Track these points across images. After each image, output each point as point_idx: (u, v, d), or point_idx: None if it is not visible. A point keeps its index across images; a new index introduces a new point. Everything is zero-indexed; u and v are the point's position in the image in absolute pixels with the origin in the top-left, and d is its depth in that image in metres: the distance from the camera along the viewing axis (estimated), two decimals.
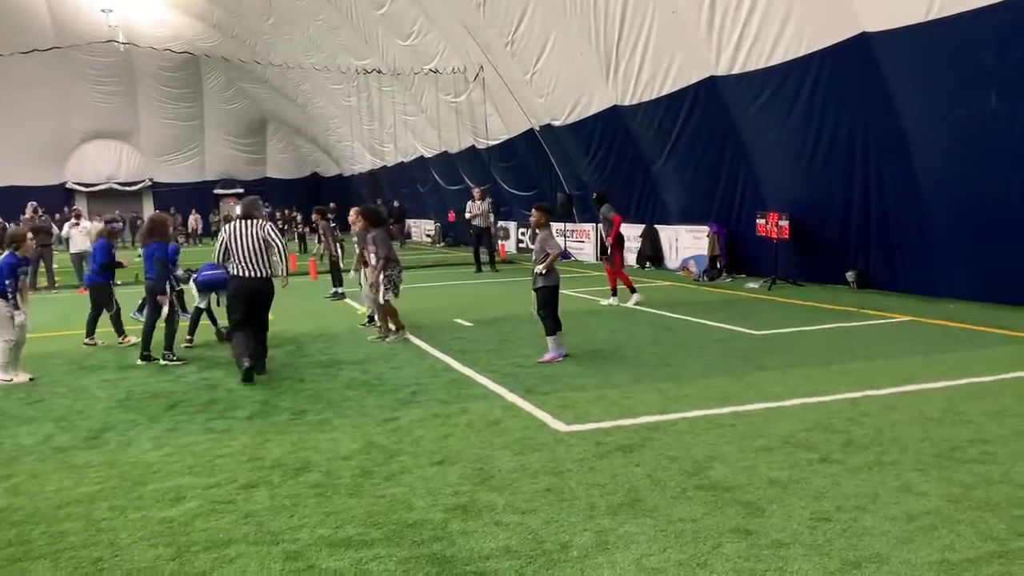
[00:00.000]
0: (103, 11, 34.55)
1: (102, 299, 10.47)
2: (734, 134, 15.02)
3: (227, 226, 8.30)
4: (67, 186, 45.37)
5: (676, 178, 17.49)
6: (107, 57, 39.79)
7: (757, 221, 14.86)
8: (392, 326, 10.19)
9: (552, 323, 8.73)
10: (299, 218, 37.32)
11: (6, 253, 8.45)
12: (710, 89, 14.87)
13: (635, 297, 12.94)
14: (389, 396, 7.37)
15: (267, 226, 8.31)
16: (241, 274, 8.18)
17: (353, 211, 11.02)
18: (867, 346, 9.08)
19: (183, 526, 4.46)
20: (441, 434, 6.08)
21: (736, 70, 13.91)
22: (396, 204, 33.94)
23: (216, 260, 8.53)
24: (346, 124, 36.34)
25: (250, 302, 8.26)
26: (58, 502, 4.88)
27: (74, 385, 8.21)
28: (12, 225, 21.49)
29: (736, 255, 16.24)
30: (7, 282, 8.20)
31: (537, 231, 9.09)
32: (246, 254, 8.14)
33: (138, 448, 5.96)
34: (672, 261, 18.41)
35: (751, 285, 14.75)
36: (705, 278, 16.14)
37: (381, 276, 9.92)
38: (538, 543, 4.10)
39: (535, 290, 8.80)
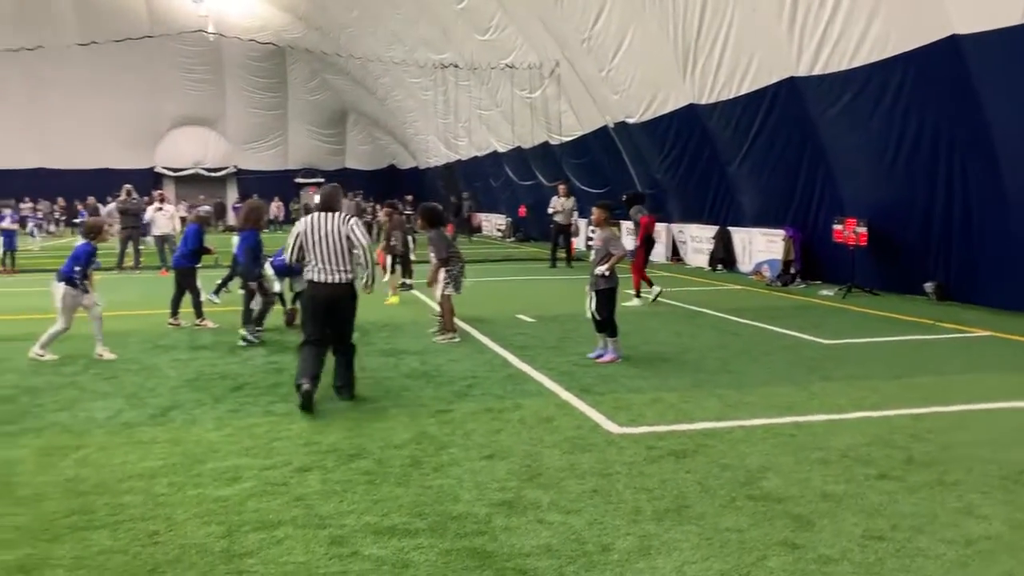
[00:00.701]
0: (194, 1, 35.66)
1: (187, 282, 10.83)
2: (813, 136, 14.64)
3: (303, 220, 6.88)
4: (156, 170, 47.01)
5: (752, 180, 17.14)
6: (198, 46, 41.03)
7: (834, 227, 14.44)
8: (448, 324, 10.04)
9: (612, 327, 8.58)
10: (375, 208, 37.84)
11: (83, 242, 8.84)
12: (790, 89, 14.51)
13: (635, 301, 12.99)
14: (445, 388, 7.43)
15: (351, 221, 6.84)
16: (318, 278, 6.71)
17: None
18: (940, 361, 8.75)
19: (236, 505, 4.59)
20: (493, 428, 6.11)
21: (817, 71, 13.54)
22: (453, 200, 34.15)
23: (288, 259, 7.01)
24: (423, 117, 36.78)
25: (329, 312, 6.78)
26: (122, 475, 5.08)
27: (147, 363, 8.53)
28: (105, 204, 22.45)
29: (811, 261, 15.82)
30: (77, 269, 8.55)
31: (598, 230, 8.95)
32: (325, 254, 6.70)
33: (201, 427, 6.16)
34: (745, 264, 18.05)
35: (825, 292, 14.36)
36: (778, 283, 15.78)
37: (442, 273, 9.90)
38: (580, 544, 4.08)
39: (596, 292, 8.58)
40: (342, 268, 6.73)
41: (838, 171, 14.49)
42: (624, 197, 14.90)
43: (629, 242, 13.98)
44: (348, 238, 6.73)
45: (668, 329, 10.87)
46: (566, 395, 7.14)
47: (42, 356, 8.59)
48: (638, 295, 13.22)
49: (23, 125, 42.04)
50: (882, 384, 7.61)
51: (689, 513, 4.48)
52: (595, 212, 9.10)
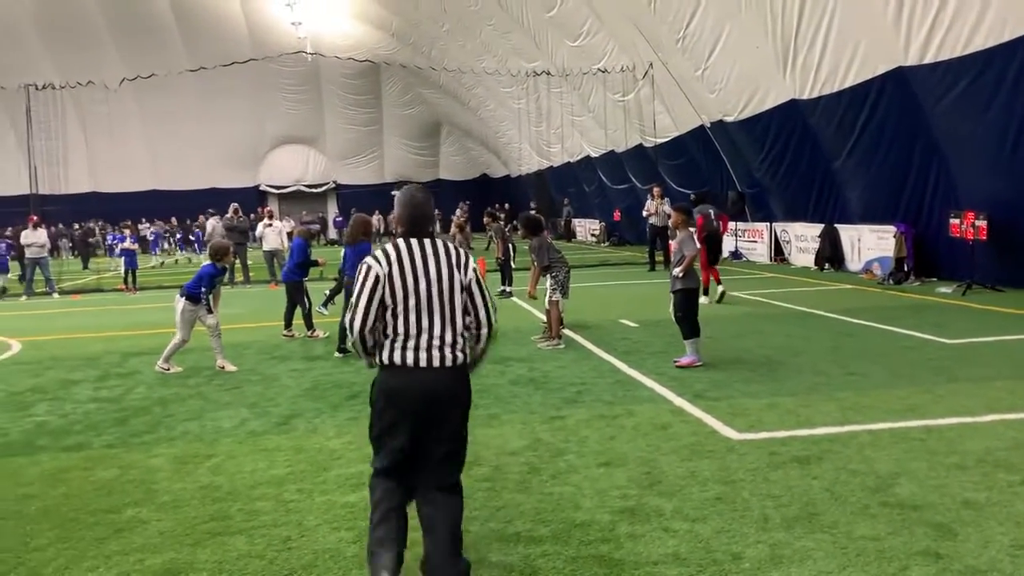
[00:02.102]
0: (293, 24, 36.94)
1: (296, 295, 11.21)
2: (924, 127, 14.02)
3: (385, 252, 3.59)
4: (260, 188, 48.89)
5: (859, 175, 16.54)
6: (297, 67, 42.48)
7: (951, 221, 13.79)
8: (553, 330, 10.07)
9: (689, 327, 8.47)
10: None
11: (207, 263, 9.34)
12: (898, 80, 13.94)
13: (703, 299, 12.64)
14: (555, 395, 7.43)
15: (471, 263, 3.72)
16: (408, 359, 3.56)
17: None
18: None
19: (363, 511, 4.68)
20: (607, 435, 6.06)
21: (928, 59, 12.97)
22: (534, 206, 34.15)
23: (352, 322, 3.58)
24: (515, 126, 37.02)
25: (426, 424, 3.62)
26: (252, 482, 5.27)
27: (266, 373, 8.84)
28: (211, 221, 23.45)
29: (925, 257, 15.15)
30: (203, 289, 9.03)
31: (676, 231, 8.89)
32: (424, 314, 3.58)
33: (322, 435, 6.33)
34: (854, 263, 17.42)
35: (943, 290, 13.71)
36: (890, 281, 15.16)
37: (548, 280, 9.93)
38: (708, 552, 4.00)
39: (672, 292, 8.58)
40: (451, 340, 3.60)
41: (953, 163, 13.83)
42: (692, 196, 15.01)
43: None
44: (466, 291, 3.65)
45: (779, 331, 10.59)
46: (679, 401, 7.03)
47: (167, 369, 9.00)
48: (705, 292, 13.05)
49: (137, 151, 44.39)
50: (1016, 385, 7.20)
51: (820, 521, 4.34)
52: (673, 214, 9.17)
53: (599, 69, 23.52)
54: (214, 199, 38.21)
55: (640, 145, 25.83)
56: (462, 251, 3.68)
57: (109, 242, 27.45)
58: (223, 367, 9.08)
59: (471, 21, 30.43)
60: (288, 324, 11.33)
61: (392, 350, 3.59)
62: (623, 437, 6.01)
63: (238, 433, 6.49)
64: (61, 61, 38.32)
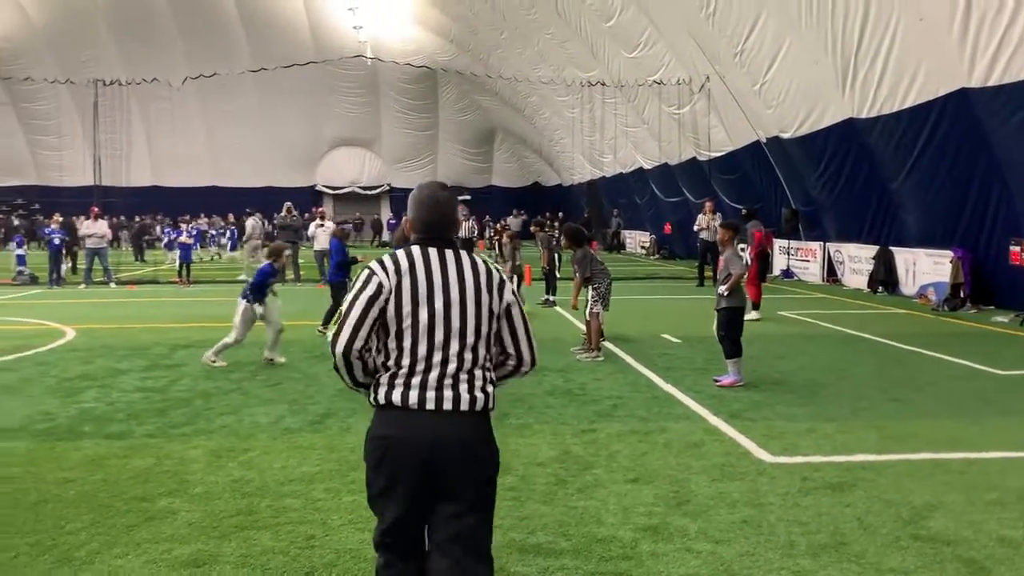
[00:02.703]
0: (355, 28, 37.53)
1: (339, 295, 11.38)
2: (987, 151, 13.64)
3: (390, 264, 2.76)
4: (316, 188, 49.67)
5: (917, 197, 16.15)
6: (356, 71, 43.11)
7: (1011, 248, 13.40)
8: (592, 342, 9.97)
9: (731, 346, 8.28)
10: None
11: (265, 263, 9.73)
12: (960, 101, 13.60)
13: (753, 314, 13.01)
14: (589, 407, 7.40)
15: (506, 283, 2.92)
16: (408, 400, 2.70)
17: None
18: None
19: None
20: (638, 451, 6.02)
21: (992, 82, 12.62)
22: (587, 215, 34.06)
23: (336, 342, 2.75)
24: (569, 135, 37.04)
25: (429, 486, 2.72)
26: (283, 479, 5.35)
27: (307, 372, 8.98)
28: (250, 220, 23.89)
29: (983, 284, 14.71)
30: (254, 285, 9.32)
31: (723, 248, 8.76)
32: (441, 344, 2.74)
33: (355, 435, 6.39)
34: (908, 287, 17.01)
35: (999, 319, 13.31)
36: (945, 308, 14.76)
37: (590, 291, 9.90)
38: (730, 575, 3.95)
39: (717, 310, 8.41)
40: (472, 378, 2.77)
41: (1016, 188, 13.43)
42: (743, 212, 15.10)
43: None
44: (503, 318, 2.88)
45: (825, 354, 10.39)
46: (714, 420, 6.95)
47: (214, 362, 9.20)
48: (756, 307, 13.19)
49: (199, 147, 45.49)
50: None
51: (848, 551, 4.25)
52: (720, 231, 9.01)
53: (654, 81, 23.39)
54: (271, 197, 38.92)
55: (694, 158, 25.62)
56: (495, 269, 2.88)
57: (164, 236, 28.17)
58: (271, 360, 9.33)
59: (529, 29, 30.55)
60: (326, 322, 11.49)
61: (391, 387, 2.70)
62: (654, 454, 5.96)
63: (274, 429, 6.59)
64: (130, 58, 39.51)
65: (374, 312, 2.73)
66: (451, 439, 2.69)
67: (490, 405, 2.80)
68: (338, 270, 11.63)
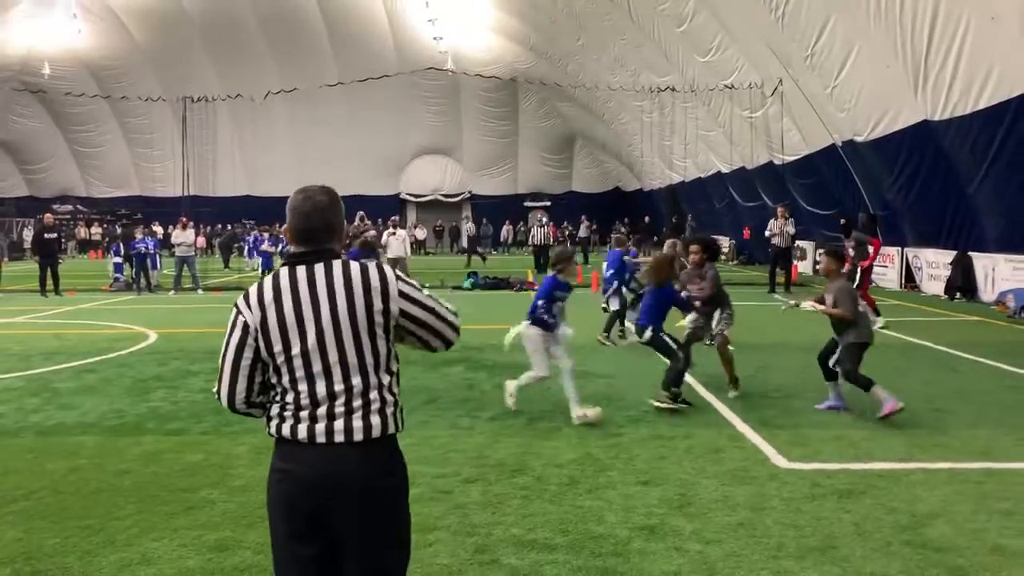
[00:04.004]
0: (435, 38, 38.37)
1: None
2: None
3: (254, 298, 2.59)
4: (401, 196, 50.88)
5: (994, 201, 15.63)
6: (438, 80, 44.01)
7: None
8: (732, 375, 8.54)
9: (861, 380, 7.25)
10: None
11: (549, 275, 7.67)
12: None
13: (880, 321, 12.77)
14: (622, 412, 7.57)
15: (381, 278, 2.60)
16: (297, 433, 2.55)
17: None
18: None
19: None
20: (657, 455, 6.20)
21: None
22: (675, 220, 33.75)
23: (221, 395, 2.67)
24: (647, 140, 36.94)
25: (323, 526, 2.54)
26: None
27: None
28: (351, 227, 24.81)
29: None
30: (540, 303, 7.38)
31: (828, 281, 7.71)
32: (322, 372, 2.54)
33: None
34: (987, 294, 16.45)
35: None
36: (1021, 315, 14.25)
37: (719, 314, 8.74)
38: (710, 574, 4.13)
39: (843, 346, 7.45)
40: (363, 402, 2.55)
41: None
42: (843, 222, 14.95)
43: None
44: (403, 317, 2.64)
45: (878, 362, 10.12)
46: (742, 427, 7.05)
47: (510, 401, 7.55)
48: (877, 313, 13.06)
49: (289, 158, 47.20)
50: None
51: (835, 554, 4.36)
52: (824, 261, 7.89)
53: (726, 85, 23.23)
54: (358, 206, 40.03)
55: (770, 162, 25.27)
56: (376, 273, 2.59)
57: (248, 243, 29.48)
58: (584, 416, 7.10)
59: (605, 35, 30.69)
60: None
61: (282, 419, 2.57)
62: (672, 458, 6.13)
63: None
64: (224, 73, 41.48)
65: (247, 355, 2.57)
66: (345, 474, 2.49)
67: (390, 430, 2.57)
68: None
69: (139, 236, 21.82)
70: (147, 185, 48.11)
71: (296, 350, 2.53)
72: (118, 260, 22.24)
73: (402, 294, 2.61)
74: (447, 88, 46.05)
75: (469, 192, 51.12)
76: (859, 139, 19.26)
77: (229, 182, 45.07)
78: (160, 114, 43.00)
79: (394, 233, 20.21)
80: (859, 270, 13.36)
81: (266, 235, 22.72)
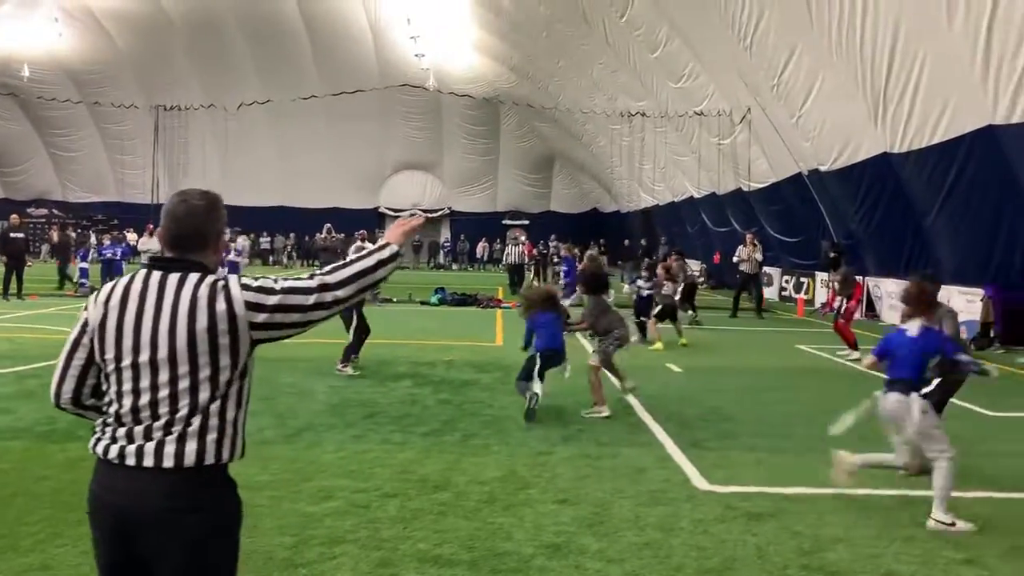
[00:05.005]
0: (417, 56, 38.58)
1: (347, 322, 11.39)
2: (1015, 189, 13.42)
3: (102, 295, 2.52)
4: (380, 210, 50.91)
5: (948, 234, 15.92)
6: (420, 97, 44.22)
7: None
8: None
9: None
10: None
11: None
12: (988, 139, 13.43)
13: (855, 354, 12.86)
14: (557, 431, 7.64)
15: (220, 302, 2.41)
16: (109, 453, 2.41)
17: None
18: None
19: (315, 521, 5.12)
20: (581, 474, 6.27)
21: (1016, 119, 12.47)
22: (643, 243, 34.07)
23: (52, 385, 2.60)
24: (624, 163, 37.27)
25: (135, 546, 2.39)
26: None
27: (304, 387, 9.45)
28: (318, 238, 24.80)
29: (1014, 324, 14.39)
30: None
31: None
32: (148, 386, 2.40)
33: (321, 449, 6.82)
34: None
35: (1022, 360, 13.03)
36: (972, 347, 14.47)
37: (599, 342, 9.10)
38: None
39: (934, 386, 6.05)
40: (188, 426, 2.38)
41: None
42: (832, 255, 15.35)
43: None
44: (226, 351, 2.43)
45: (821, 389, 10.42)
46: (672, 448, 7.14)
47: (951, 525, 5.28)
48: (855, 348, 13.14)
49: (269, 168, 47.18)
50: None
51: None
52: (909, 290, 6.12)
53: (696, 112, 23.54)
54: (337, 218, 40.05)
55: (739, 189, 25.58)
56: (223, 289, 2.41)
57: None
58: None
59: (583, 59, 30.99)
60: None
61: (101, 435, 2.45)
62: (594, 477, 6.20)
63: (250, 440, 6.88)
64: (206, 82, 41.50)
65: (80, 355, 2.51)
66: (146, 503, 2.33)
67: (207, 459, 2.37)
68: None
69: (107, 242, 21.73)
70: (124, 191, 47.83)
71: (127, 361, 2.39)
72: (84, 266, 22.11)
73: (250, 306, 2.41)
74: (429, 104, 46.24)
75: (449, 208, 51.26)
76: (823, 168, 19.56)
77: (211, 190, 44.85)
78: (139, 120, 42.82)
79: (363, 246, 20.21)
80: (844, 306, 13.58)
81: (232, 245, 22.62)
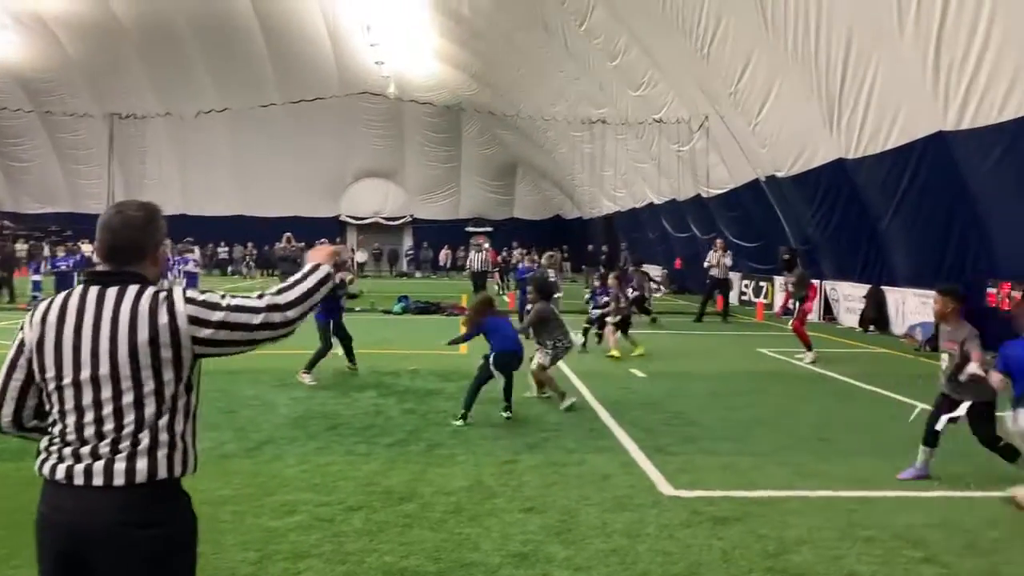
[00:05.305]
0: (377, 63, 38.42)
1: (320, 335, 11.00)
2: (965, 193, 13.75)
3: (38, 314, 2.46)
4: (341, 218, 50.57)
5: (902, 238, 16.27)
6: (381, 104, 44.01)
7: (988, 290, 13.45)
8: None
9: (993, 443, 6.38)
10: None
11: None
12: (939, 144, 13.74)
13: (809, 355, 13.14)
14: (522, 439, 7.64)
15: (168, 301, 2.40)
16: (56, 473, 2.37)
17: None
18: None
19: (279, 536, 5.05)
20: (548, 482, 6.27)
21: (965, 125, 12.79)
22: (605, 250, 34.38)
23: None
24: (586, 169, 37.49)
25: (83, 569, 2.37)
26: (198, 501, 5.65)
27: (265, 399, 9.33)
28: (278, 247, 24.58)
29: None
30: None
31: (946, 325, 6.66)
32: (91, 404, 2.37)
33: (283, 463, 6.73)
34: (899, 327, 17.05)
35: None
36: (927, 348, 14.77)
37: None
38: None
39: (970, 404, 6.31)
40: (137, 443, 2.36)
41: (993, 230, 13.51)
42: (786, 257, 15.68)
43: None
44: (169, 365, 2.41)
45: (781, 392, 10.55)
46: (636, 453, 7.18)
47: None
48: (809, 349, 13.26)
49: (227, 177, 46.61)
50: (985, 462, 7.06)
51: None
52: (938, 301, 6.67)
53: (655, 119, 23.77)
54: (298, 227, 39.65)
55: (699, 195, 25.86)
56: (166, 300, 2.39)
57: (173, 264, 28.85)
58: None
59: (544, 67, 31.12)
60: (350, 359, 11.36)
61: (47, 455, 2.40)
62: (561, 485, 6.21)
63: (211, 455, 6.92)
64: (161, 89, 40.81)
65: (18, 376, 2.46)
66: (99, 521, 2.29)
67: (160, 475, 2.35)
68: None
69: (61, 254, 21.29)
70: (78, 201, 46.85)
71: (68, 379, 2.36)
72: (37, 278, 21.63)
73: (193, 320, 2.38)
74: (390, 112, 46.07)
75: (411, 216, 51.08)
76: (780, 175, 19.87)
77: (162, 200, 43.32)
78: (93, 129, 42.03)
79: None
80: (797, 307, 13.72)
81: (189, 255, 22.30)
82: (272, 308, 2.44)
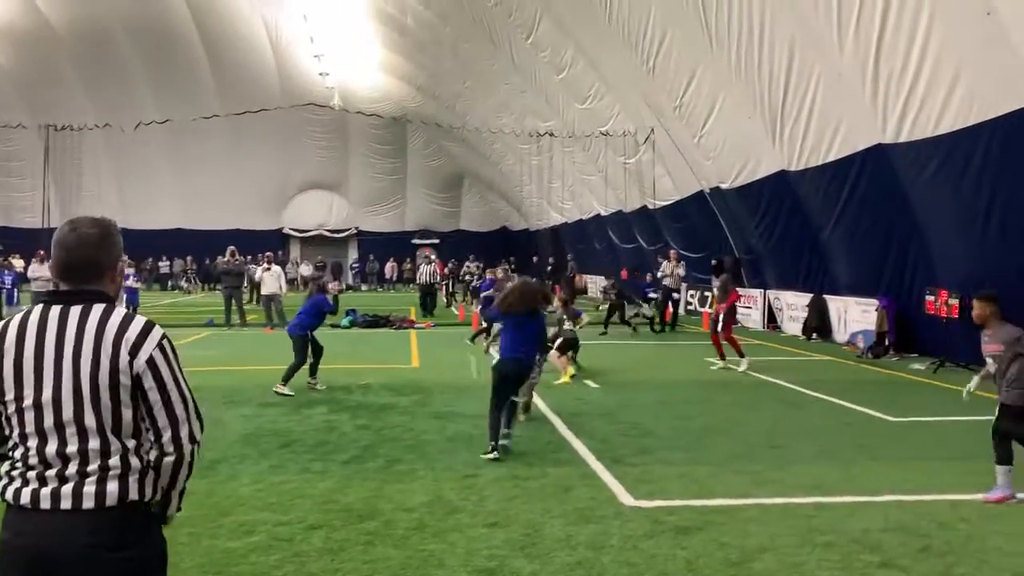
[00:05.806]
0: (321, 74, 38.07)
1: (296, 349, 10.99)
2: (904, 204, 14.17)
3: (12, 328, 2.38)
4: (284, 231, 49.87)
5: (844, 247, 16.69)
6: (324, 116, 43.61)
7: (927, 298, 13.87)
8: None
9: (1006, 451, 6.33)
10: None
11: None
12: (878, 156, 14.15)
13: (718, 364, 13.46)
14: (480, 452, 7.58)
15: (133, 329, 2.37)
16: (20, 497, 2.31)
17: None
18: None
19: (239, 558, 4.93)
20: (509, 496, 6.24)
21: (903, 138, 13.19)
22: (552, 261, 34.62)
23: None
24: (533, 182, 37.66)
25: None
26: None
27: (215, 417, 9.07)
28: (220, 261, 24.08)
29: (906, 333, 15.15)
30: None
31: (989, 330, 6.62)
32: (53, 427, 2.32)
33: (238, 482, 6.58)
34: (841, 334, 17.45)
35: (916, 367, 13.72)
36: (869, 355, 15.18)
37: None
38: None
39: (1004, 405, 6.38)
40: (106, 467, 2.33)
41: (931, 240, 13.95)
42: (714, 262, 15.94)
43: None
44: (134, 383, 2.36)
45: (731, 400, 10.70)
46: (595, 465, 7.20)
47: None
48: (742, 355, 13.33)
49: (167, 189, 45.61)
50: (935, 466, 7.28)
51: None
52: (978, 306, 6.67)
53: (602, 132, 24.02)
54: (239, 240, 38.92)
55: (645, 206, 26.18)
56: (137, 325, 2.36)
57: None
58: None
59: (490, 80, 31.23)
60: (311, 373, 11.15)
61: (10, 479, 2.35)
62: (523, 498, 6.18)
63: None
64: (98, 100, 39.75)
65: None
66: (69, 545, 2.25)
67: (131, 497, 2.32)
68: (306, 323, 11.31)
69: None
70: (11, 215, 45.33)
71: (29, 401, 2.29)
72: None
73: (151, 362, 2.34)
74: (334, 123, 45.66)
75: (356, 228, 50.64)
76: (724, 186, 20.23)
77: (99, 214, 42.21)
78: (27, 140, 40.69)
79: (268, 269, 19.75)
80: (720, 314, 13.84)
81: (130, 270, 21.74)
82: (193, 435, 2.46)
